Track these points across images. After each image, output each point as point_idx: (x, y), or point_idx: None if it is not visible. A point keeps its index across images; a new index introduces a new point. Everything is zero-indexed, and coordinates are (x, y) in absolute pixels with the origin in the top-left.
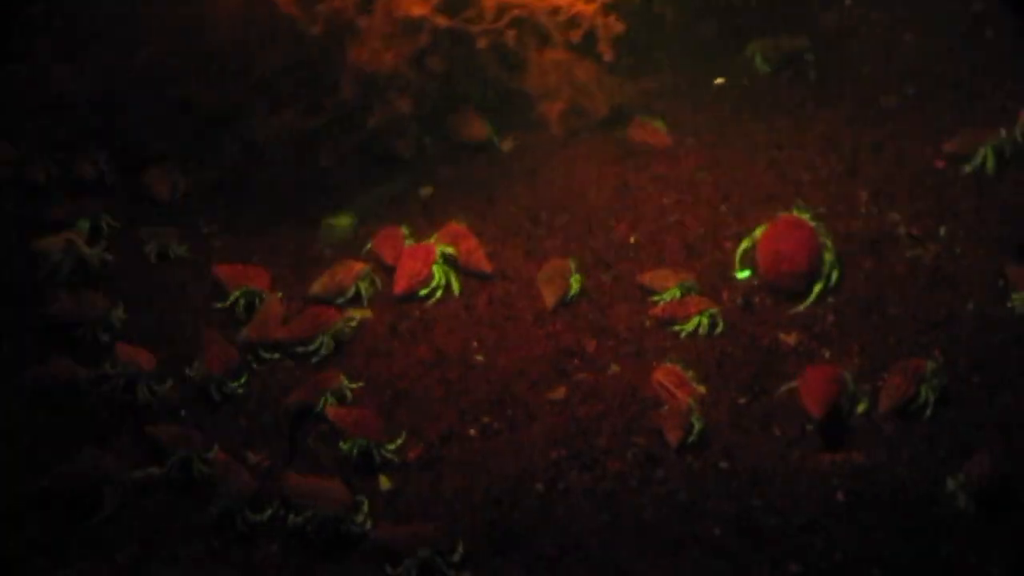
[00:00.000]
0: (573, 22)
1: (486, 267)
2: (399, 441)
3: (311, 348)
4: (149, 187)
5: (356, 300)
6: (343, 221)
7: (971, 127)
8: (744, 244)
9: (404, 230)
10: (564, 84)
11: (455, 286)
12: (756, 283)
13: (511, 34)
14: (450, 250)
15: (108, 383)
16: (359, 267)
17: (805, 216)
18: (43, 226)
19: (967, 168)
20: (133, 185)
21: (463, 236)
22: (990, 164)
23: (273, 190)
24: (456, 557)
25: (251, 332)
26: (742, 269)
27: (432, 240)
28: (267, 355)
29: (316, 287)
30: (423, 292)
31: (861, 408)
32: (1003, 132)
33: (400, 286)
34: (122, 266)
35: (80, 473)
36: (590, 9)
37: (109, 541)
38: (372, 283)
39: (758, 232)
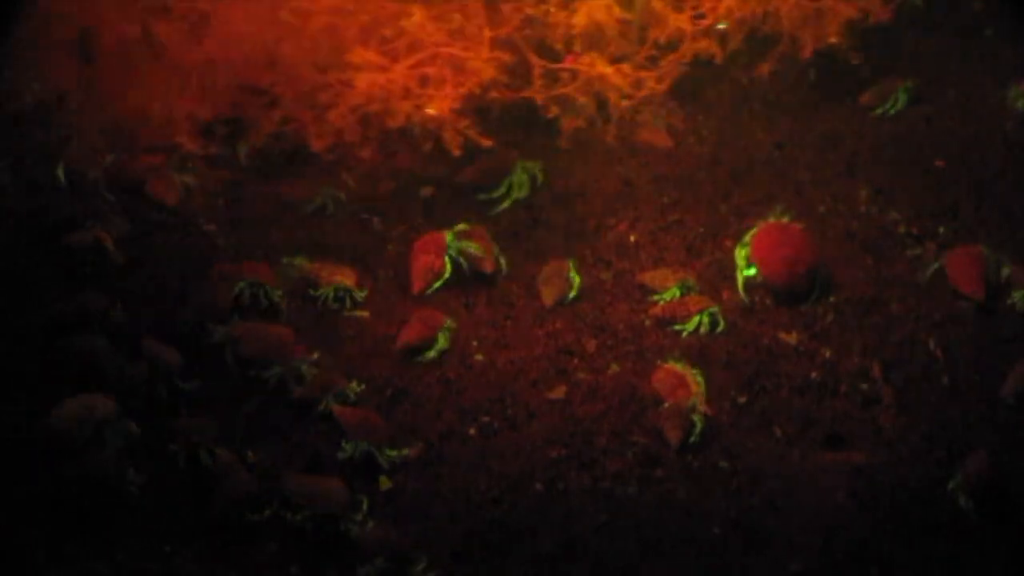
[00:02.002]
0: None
1: (488, 267)
2: (404, 451)
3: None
4: (156, 191)
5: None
6: (300, 261)
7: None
8: (741, 252)
9: None
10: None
11: (472, 256)
12: (758, 282)
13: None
14: (464, 236)
15: (133, 378)
16: (339, 276)
17: (786, 219)
18: (49, 228)
19: None
20: (139, 188)
21: (478, 236)
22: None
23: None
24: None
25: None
26: (748, 267)
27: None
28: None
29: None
30: (437, 285)
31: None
32: None
33: (417, 285)
34: (124, 265)
35: (87, 471)
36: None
37: (109, 540)
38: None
39: (747, 238)
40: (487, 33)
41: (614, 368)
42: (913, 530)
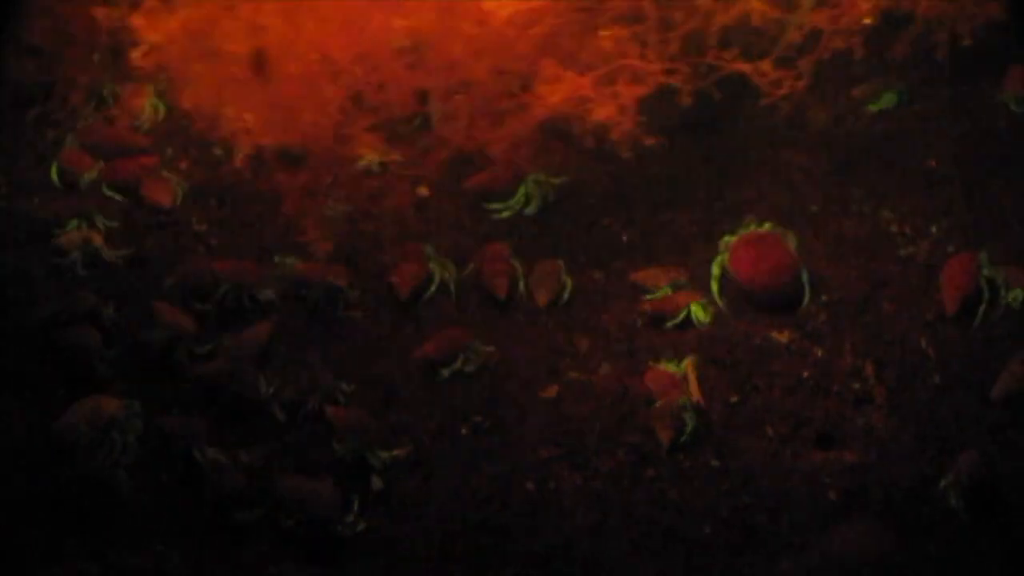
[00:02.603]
0: None
1: (500, 292)
2: (396, 451)
3: None
4: (150, 192)
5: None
6: (292, 261)
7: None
8: (717, 260)
9: None
10: None
11: (452, 280)
12: (746, 292)
13: None
14: (482, 255)
15: (147, 344)
16: (331, 276)
17: (766, 228)
18: (34, 226)
19: None
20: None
21: (499, 258)
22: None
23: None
24: None
25: None
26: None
27: None
28: None
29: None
30: (427, 293)
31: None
32: None
33: (405, 291)
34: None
35: (85, 472)
36: None
37: (104, 540)
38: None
39: (722, 245)
40: (655, 37)
41: (606, 368)
42: (904, 529)
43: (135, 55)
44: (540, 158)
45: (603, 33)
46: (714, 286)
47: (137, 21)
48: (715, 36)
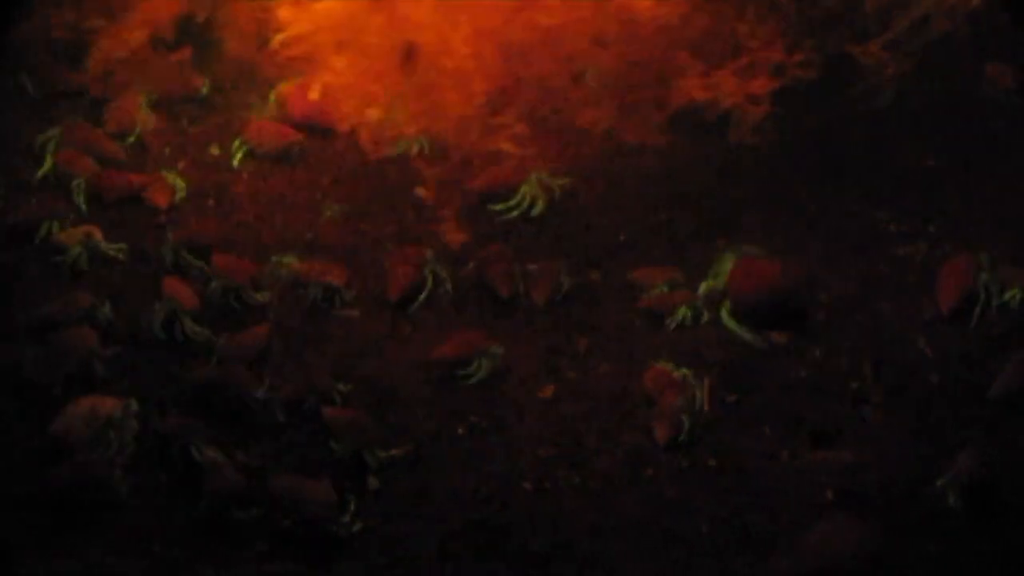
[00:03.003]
0: None
1: (504, 291)
2: (393, 451)
3: None
4: (148, 192)
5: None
6: (290, 260)
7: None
8: (707, 285)
9: None
10: None
11: (448, 281)
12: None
13: None
14: (482, 258)
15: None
16: (329, 275)
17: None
18: (31, 226)
19: None
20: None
21: (500, 257)
22: None
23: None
24: None
25: None
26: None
27: None
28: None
29: None
30: (420, 297)
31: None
32: None
33: (394, 293)
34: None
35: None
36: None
37: (99, 540)
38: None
39: (722, 271)
40: (792, 28)
41: (604, 367)
42: (902, 528)
43: (276, 41)
44: (671, 149)
45: (739, 26)
46: (727, 320)
47: (283, 12)
48: (849, 24)
